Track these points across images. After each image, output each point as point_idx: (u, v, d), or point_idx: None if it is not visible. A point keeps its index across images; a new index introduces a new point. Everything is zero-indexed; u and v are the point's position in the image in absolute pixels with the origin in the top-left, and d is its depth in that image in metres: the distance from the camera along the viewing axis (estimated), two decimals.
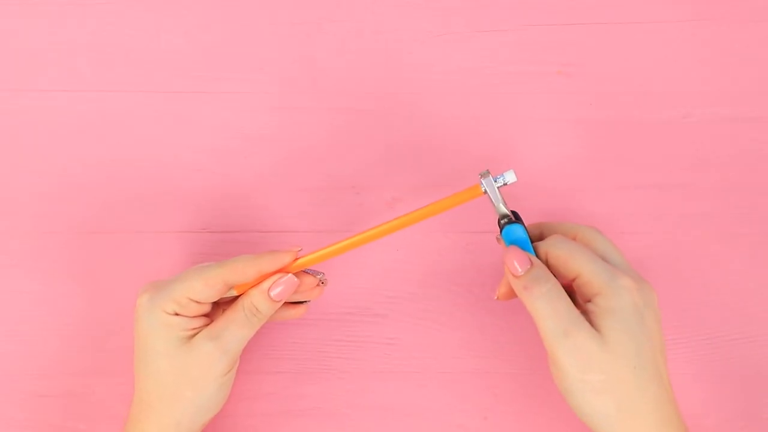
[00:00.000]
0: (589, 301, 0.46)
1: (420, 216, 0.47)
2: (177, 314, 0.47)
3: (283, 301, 0.48)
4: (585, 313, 0.46)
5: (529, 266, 0.46)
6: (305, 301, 0.51)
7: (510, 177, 0.46)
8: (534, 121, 0.54)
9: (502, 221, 0.47)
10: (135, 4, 0.56)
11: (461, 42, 0.55)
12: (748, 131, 0.54)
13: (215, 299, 0.47)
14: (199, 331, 0.47)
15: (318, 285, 0.50)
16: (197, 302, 0.47)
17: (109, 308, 0.53)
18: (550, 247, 0.47)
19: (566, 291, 0.46)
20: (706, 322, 0.52)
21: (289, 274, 0.48)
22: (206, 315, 0.48)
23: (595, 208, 0.53)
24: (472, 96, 0.55)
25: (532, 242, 0.47)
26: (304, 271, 0.49)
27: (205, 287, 0.46)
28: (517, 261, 0.46)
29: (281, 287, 0.47)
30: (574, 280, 0.46)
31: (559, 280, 0.46)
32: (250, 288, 0.48)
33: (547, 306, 0.45)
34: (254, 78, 0.55)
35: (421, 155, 0.54)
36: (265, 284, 0.47)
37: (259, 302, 0.47)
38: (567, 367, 0.44)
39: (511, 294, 0.49)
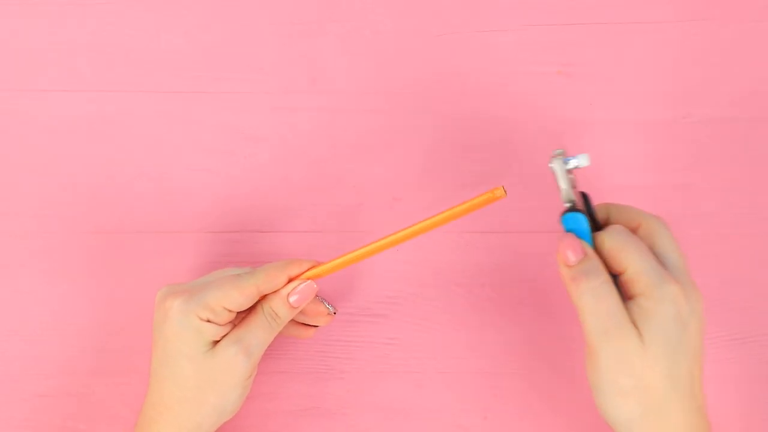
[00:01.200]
0: (632, 299, 0.45)
1: (441, 221, 0.46)
2: (210, 321, 0.47)
3: (300, 308, 0.49)
4: (627, 310, 0.45)
5: (582, 257, 0.45)
6: (315, 326, 0.52)
7: (583, 160, 0.45)
8: (534, 121, 0.55)
9: (566, 205, 0.46)
10: (135, 4, 0.56)
11: (461, 42, 0.55)
12: (748, 131, 0.55)
13: (247, 308, 0.48)
14: (224, 338, 0.48)
15: (328, 314, 0.51)
16: (230, 311, 0.47)
17: (110, 308, 0.53)
18: (606, 237, 0.45)
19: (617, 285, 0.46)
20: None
21: (308, 281, 0.49)
22: (232, 323, 0.49)
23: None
24: (472, 96, 0.55)
25: (598, 225, 0.46)
26: (320, 300, 0.51)
27: (241, 296, 0.47)
28: (570, 250, 0.45)
29: (298, 295, 0.48)
30: (622, 274, 0.45)
31: (610, 272, 0.46)
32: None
33: (592, 302, 0.44)
34: (254, 78, 0.55)
35: (421, 155, 0.55)
36: (284, 291, 0.48)
37: (279, 307, 0.48)
38: (602, 366, 0.44)
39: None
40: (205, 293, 0.47)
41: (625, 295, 0.45)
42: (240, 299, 0.47)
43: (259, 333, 0.48)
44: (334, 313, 0.52)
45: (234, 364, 0.47)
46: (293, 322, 0.52)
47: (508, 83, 0.55)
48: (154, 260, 0.53)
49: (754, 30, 0.55)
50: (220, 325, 0.47)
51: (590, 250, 0.45)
